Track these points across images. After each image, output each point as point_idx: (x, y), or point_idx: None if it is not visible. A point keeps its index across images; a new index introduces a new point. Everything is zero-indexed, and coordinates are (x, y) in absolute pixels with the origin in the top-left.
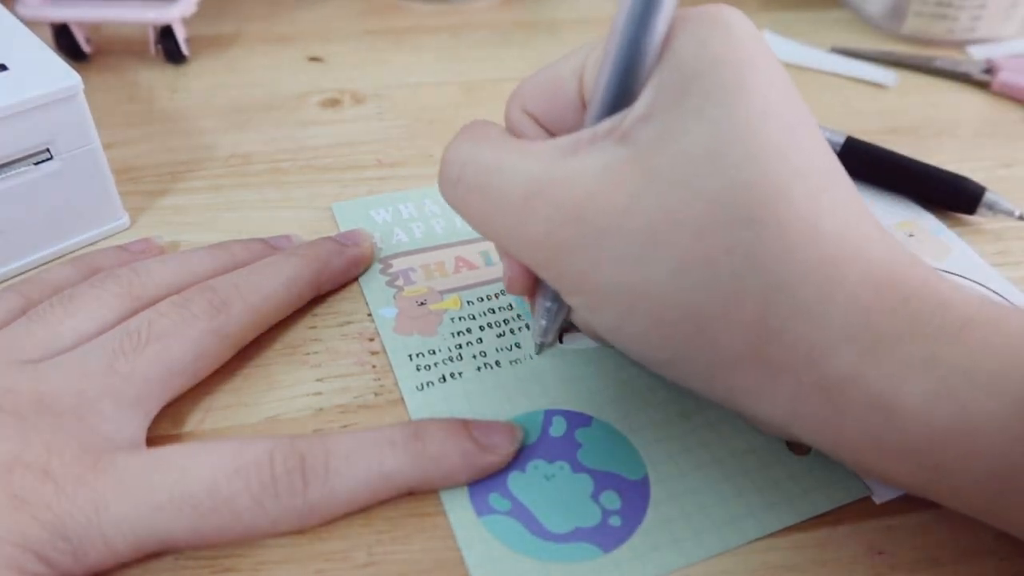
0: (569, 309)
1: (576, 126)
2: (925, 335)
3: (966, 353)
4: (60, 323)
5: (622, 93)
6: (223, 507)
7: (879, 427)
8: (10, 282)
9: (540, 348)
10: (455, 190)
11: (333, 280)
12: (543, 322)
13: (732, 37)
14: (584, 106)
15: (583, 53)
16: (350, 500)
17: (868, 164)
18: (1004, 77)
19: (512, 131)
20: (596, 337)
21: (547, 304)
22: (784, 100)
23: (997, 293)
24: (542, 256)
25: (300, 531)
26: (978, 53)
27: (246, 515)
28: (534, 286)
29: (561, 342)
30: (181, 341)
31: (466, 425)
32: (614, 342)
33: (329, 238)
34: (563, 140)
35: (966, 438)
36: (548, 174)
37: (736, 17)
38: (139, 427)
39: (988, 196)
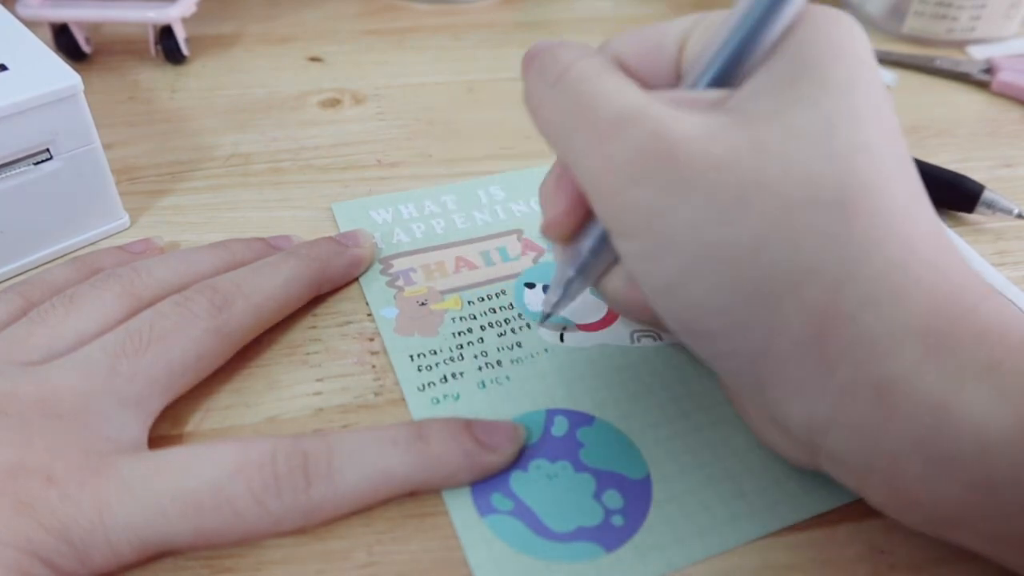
0: (592, 281)
1: (670, 89)
2: (987, 342)
3: None
4: (61, 323)
5: (730, 71)
6: (226, 507)
7: (929, 431)
8: (10, 282)
9: (545, 318)
10: (550, 90)
11: (334, 280)
12: (560, 291)
13: (850, 34)
14: (678, 77)
15: (688, 22)
16: (353, 499)
17: None
18: (1004, 77)
19: None
20: (628, 306)
21: (571, 273)
22: (885, 102)
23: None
24: (615, 182)
25: (303, 531)
26: (978, 53)
27: (249, 515)
28: (575, 232)
29: (562, 341)
30: (183, 341)
31: (468, 425)
32: (663, 303)
33: (329, 238)
34: (664, 93)
35: (1020, 451)
36: (650, 109)
37: (853, 20)
38: (141, 428)
39: (987, 195)
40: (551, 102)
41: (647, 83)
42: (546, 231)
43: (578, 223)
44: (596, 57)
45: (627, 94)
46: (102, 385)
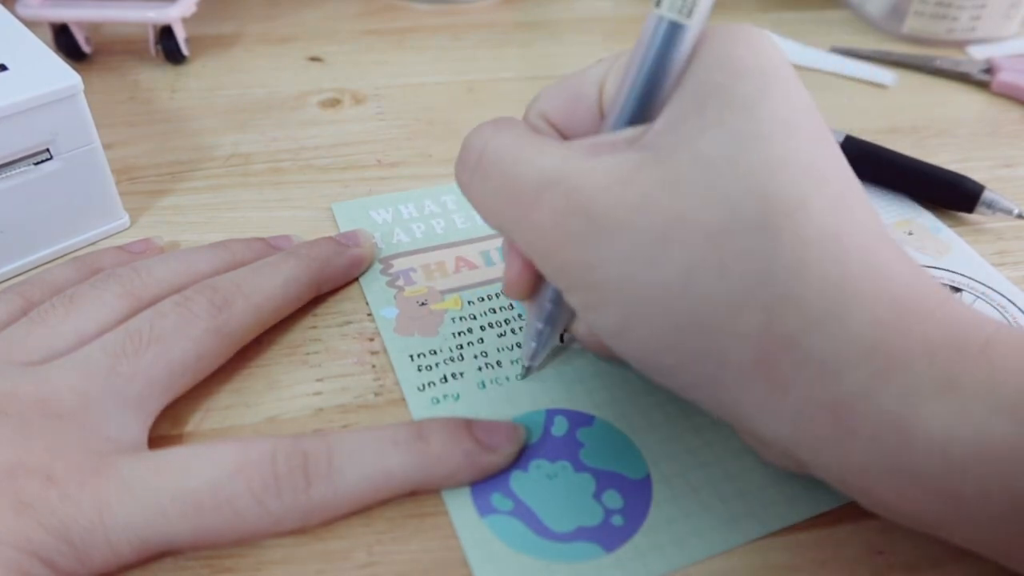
0: (562, 329)
1: (594, 135)
2: (943, 357)
3: (986, 376)
4: (61, 323)
5: (643, 107)
6: (225, 507)
7: (892, 450)
8: (10, 282)
9: (526, 372)
10: (472, 175)
11: (334, 280)
12: (533, 344)
13: (754, 51)
14: (602, 116)
15: (605, 64)
16: (353, 499)
17: (867, 162)
18: (1004, 77)
19: None
20: (598, 349)
21: (539, 325)
22: (805, 113)
23: (997, 291)
24: (548, 245)
25: (302, 531)
26: (978, 53)
27: (248, 514)
28: (533, 289)
29: (562, 342)
30: (183, 341)
31: (469, 425)
32: (616, 347)
33: (330, 238)
34: (583, 142)
35: (985, 466)
36: (564, 168)
37: (758, 33)
38: (141, 428)
39: (987, 195)
40: (477, 187)
41: (573, 133)
42: (506, 292)
43: (532, 282)
44: (510, 131)
45: (543, 159)
46: (102, 385)
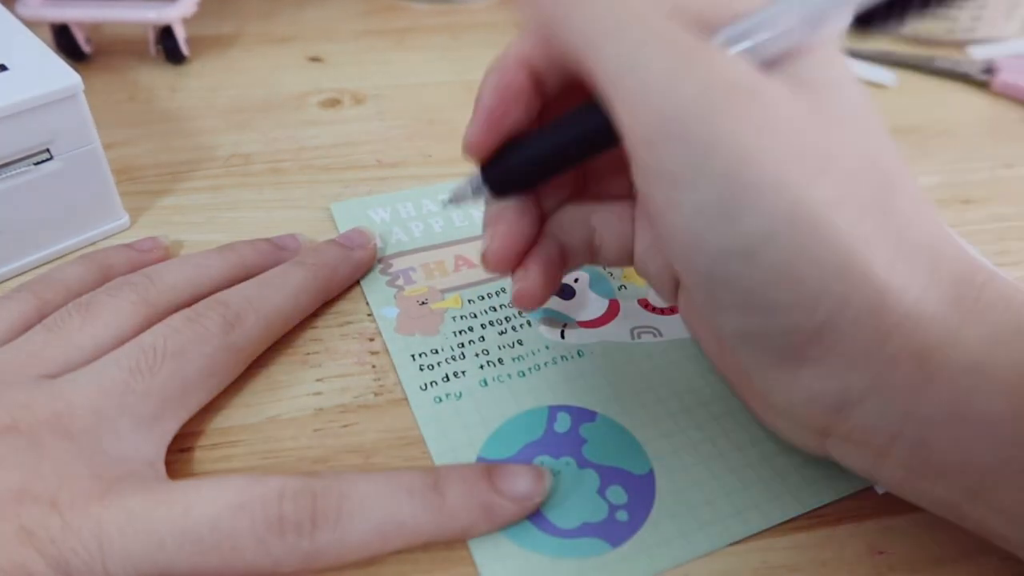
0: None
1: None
2: (1012, 307)
3: None
4: (78, 331)
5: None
6: (225, 543)
7: (965, 393)
8: (20, 281)
9: (443, 204)
10: None
11: (341, 286)
12: (467, 188)
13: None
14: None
15: None
16: (359, 548)
17: None
18: (1004, 77)
19: None
20: (656, 277)
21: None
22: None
23: None
24: (687, 118)
25: (304, 574)
26: (978, 53)
27: (248, 553)
28: (519, 261)
29: (563, 338)
30: (196, 357)
31: (489, 473)
32: (733, 267)
33: (333, 242)
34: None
35: None
36: (725, 51)
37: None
38: (157, 447)
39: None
40: (588, 5)
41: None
42: (466, 148)
43: (495, 143)
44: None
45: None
46: (117, 403)
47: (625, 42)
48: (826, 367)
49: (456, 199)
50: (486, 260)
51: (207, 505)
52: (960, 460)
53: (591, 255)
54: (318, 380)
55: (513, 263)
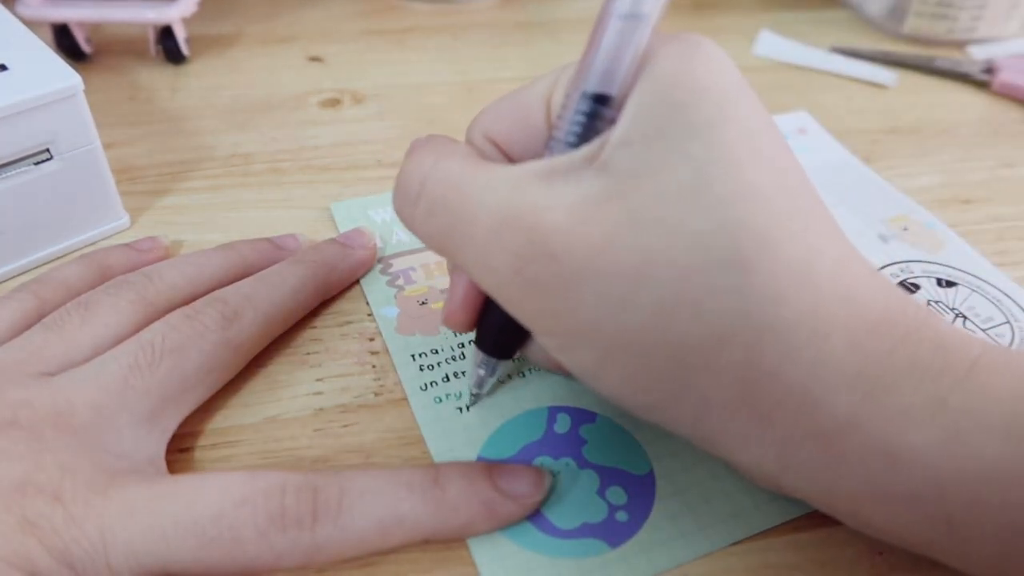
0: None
1: (541, 156)
2: (928, 377)
3: (975, 396)
4: (77, 330)
5: (594, 120)
6: (227, 536)
7: (881, 475)
8: (20, 281)
9: (474, 400)
10: (414, 209)
11: (340, 284)
12: (481, 371)
13: (714, 66)
14: (550, 133)
15: (551, 78)
16: (360, 541)
17: None
18: (1004, 77)
19: None
20: (555, 369)
21: (480, 372)
22: (767, 135)
23: (993, 286)
24: (510, 292)
25: (305, 568)
26: (978, 53)
27: (250, 547)
28: (474, 322)
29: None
30: (195, 354)
31: (490, 471)
32: (591, 385)
33: (333, 241)
34: (535, 164)
35: (977, 486)
36: (519, 201)
37: (715, 47)
38: (157, 443)
39: None
40: (421, 223)
41: (521, 155)
42: (446, 322)
43: (475, 314)
44: (452, 158)
45: (494, 193)
46: (116, 399)
47: (446, 250)
48: (729, 446)
49: (479, 391)
50: (445, 320)
51: (210, 498)
52: (896, 531)
53: None
54: (318, 380)
55: (471, 324)
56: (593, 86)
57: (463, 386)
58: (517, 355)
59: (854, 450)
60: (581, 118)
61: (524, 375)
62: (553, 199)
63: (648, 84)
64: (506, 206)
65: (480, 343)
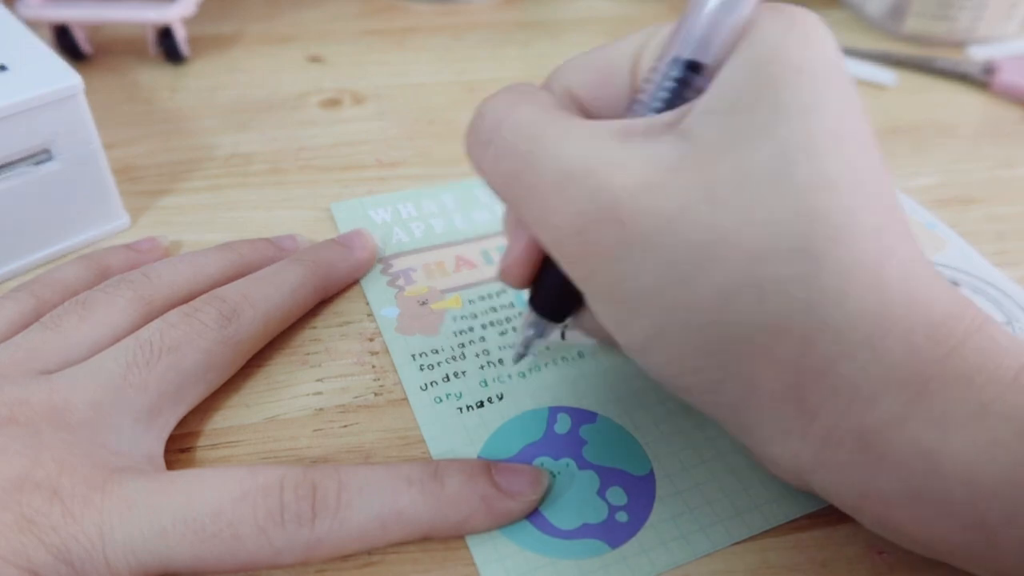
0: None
1: (621, 117)
2: (976, 384)
3: (1018, 403)
4: (75, 329)
5: (684, 88)
6: (226, 532)
7: (919, 478)
8: (19, 281)
9: (518, 358)
10: (484, 151)
11: (339, 284)
12: (530, 332)
13: (813, 46)
14: (635, 95)
15: (641, 37)
16: (360, 536)
17: None
18: (1004, 77)
19: None
20: (605, 340)
21: (530, 332)
22: (856, 124)
23: (994, 286)
24: (570, 251)
25: (305, 564)
26: (978, 53)
27: (249, 543)
28: (532, 278)
29: (563, 339)
30: (193, 351)
31: (488, 468)
32: (638, 359)
33: (333, 241)
34: (615, 123)
35: (1014, 493)
36: (591, 157)
37: (818, 23)
38: (155, 441)
39: None
40: (489, 166)
41: (600, 113)
42: (503, 276)
43: (533, 270)
44: (530, 104)
45: (567, 145)
46: (114, 397)
47: (510, 199)
48: (766, 437)
49: (525, 350)
50: (503, 274)
51: (209, 494)
52: (924, 536)
53: None
54: (318, 380)
55: (528, 281)
56: (688, 52)
57: (463, 386)
58: (568, 322)
59: (895, 451)
60: (671, 83)
61: (524, 375)
62: (627, 159)
63: (744, 56)
64: (576, 160)
65: (534, 302)
